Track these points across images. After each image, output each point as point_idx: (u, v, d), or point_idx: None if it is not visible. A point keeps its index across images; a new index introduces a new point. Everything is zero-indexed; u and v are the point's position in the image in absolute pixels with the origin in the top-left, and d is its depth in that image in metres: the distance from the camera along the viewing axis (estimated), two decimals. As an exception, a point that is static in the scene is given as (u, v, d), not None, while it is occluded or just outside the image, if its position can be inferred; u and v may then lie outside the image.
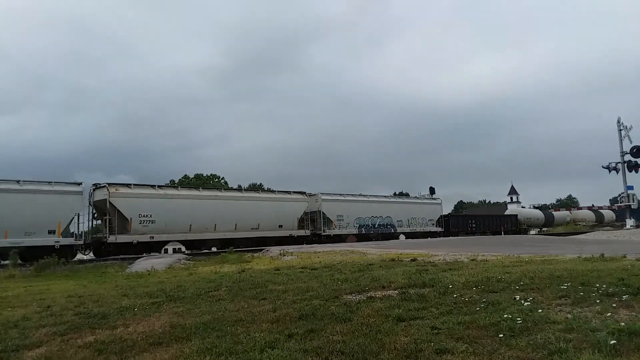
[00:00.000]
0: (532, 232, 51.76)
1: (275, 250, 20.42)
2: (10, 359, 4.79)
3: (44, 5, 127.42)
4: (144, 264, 16.32)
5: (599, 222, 60.59)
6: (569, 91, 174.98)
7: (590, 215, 64.83)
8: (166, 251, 24.34)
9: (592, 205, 70.01)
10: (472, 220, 47.18)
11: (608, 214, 65.90)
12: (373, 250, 17.38)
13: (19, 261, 18.71)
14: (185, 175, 74.62)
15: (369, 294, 6.90)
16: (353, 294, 7.04)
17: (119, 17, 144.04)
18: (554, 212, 61.81)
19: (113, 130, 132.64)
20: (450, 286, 6.91)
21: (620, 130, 29.53)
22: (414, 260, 11.97)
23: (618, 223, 52.32)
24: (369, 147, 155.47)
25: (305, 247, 23.29)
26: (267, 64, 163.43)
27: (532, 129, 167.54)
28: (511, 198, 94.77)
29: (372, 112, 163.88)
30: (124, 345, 4.97)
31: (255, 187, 72.98)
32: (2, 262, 19.05)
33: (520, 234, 44.62)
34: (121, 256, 21.50)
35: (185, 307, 6.97)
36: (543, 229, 55.90)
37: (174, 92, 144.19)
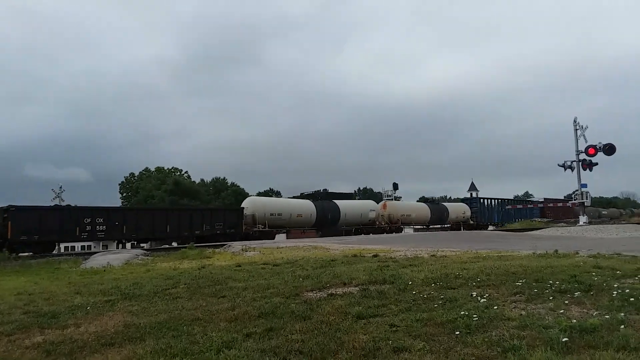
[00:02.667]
0: (407, 229, 42.35)
1: (237, 245, 20.18)
2: (-50, 362, 4.53)
3: None
4: (99, 259, 15.82)
5: (554, 219, 62.50)
6: (523, 93, 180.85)
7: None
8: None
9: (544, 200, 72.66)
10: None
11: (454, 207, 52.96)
12: (336, 246, 17.43)
13: None
14: (147, 168, 72.99)
15: (329, 291, 6.89)
16: (314, 291, 7.01)
17: (72, 8, 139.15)
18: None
19: (67, 122, 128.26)
20: (410, 282, 6.97)
21: (576, 129, 30.57)
22: (375, 256, 12.05)
23: (572, 220, 54.26)
24: (332, 143, 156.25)
25: (268, 243, 23.14)
26: (227, 59, 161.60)
27: (490, 128, 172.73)
28: (471, 194, 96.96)
29: (334, 109, 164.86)
30: (74, 346, 4.78)
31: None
32: None
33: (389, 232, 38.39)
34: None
35: (140, 305, 6.77)
36: (430, 226, 45.16)
37: (130, 85, 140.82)
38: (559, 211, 57.30)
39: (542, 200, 62.99)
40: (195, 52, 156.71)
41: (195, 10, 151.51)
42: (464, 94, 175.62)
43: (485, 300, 5.57)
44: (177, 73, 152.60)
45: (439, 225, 46.06)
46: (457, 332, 4.38)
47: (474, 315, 4.83)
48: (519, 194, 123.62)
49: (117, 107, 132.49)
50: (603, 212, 72.04)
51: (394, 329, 4.70)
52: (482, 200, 53.29)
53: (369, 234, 36.03)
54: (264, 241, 27.11)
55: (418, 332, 4.50)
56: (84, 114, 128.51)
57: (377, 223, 39.12)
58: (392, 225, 40.22)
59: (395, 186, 44.56)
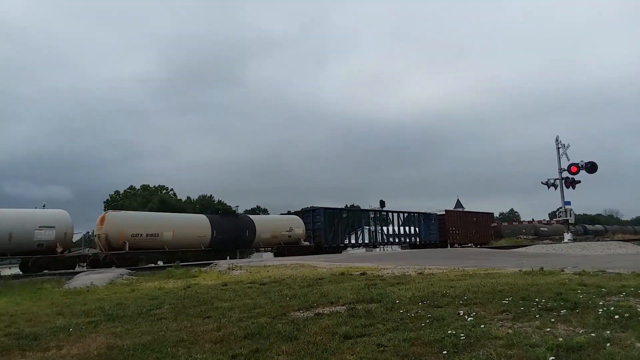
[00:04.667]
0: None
1: (224, 264, 19.98)
2: None
3: None
4: (83, 279, 15.53)
5: (538, 236, 62.74)
6: (504, 113, 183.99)
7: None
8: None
9: (532, 219, 73.03)
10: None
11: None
12: (323, 264, 17.34)
13: None
14: (131, 186, 72.31)
15: (317, 311, 6.83)
16: (301, 311, 6.95)
17: (53, 27, 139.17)
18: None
19: (47, 140, 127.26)
20: (397, 301, 6.94)
21: (559, 148, 31.01)
22: (363, 274, 12.00)
23: (556, 237, 54.58)
24: (316, 161, 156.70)
25: (255, 261, 22.95)
26: (208, 77, 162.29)
27: (472, 148, 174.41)
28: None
29: (317, 127, 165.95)
30: (54, 370, 4.67)
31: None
32: None
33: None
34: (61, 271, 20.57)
35: (124, 326, 6.65)
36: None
37: (113, 104, 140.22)
38: (468, 223, 49.31)
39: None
40: (178, 70, 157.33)
41: (176, 29, 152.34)
42: (446, 113, 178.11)
43: (472, 318, 5.57)
44: (159, 91, 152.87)
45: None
46: (445, 352, 4.36)
47: (462, 334, 4.82)
48: (504, 211, 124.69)
49: (99, 125, 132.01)
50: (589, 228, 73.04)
51: (382, 348, 4.67)
52: (331, 210, 38.13)
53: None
54: (250, 259, 26.95)
55: (405, 352, 4.48)
56: (65, 131, 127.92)
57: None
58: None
59: (382, 203, 44.56)
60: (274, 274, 14.46)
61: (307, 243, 34.21)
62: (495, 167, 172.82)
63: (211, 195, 76.61)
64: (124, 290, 12.25)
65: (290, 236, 33.25)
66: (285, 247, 32.76)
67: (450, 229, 46.18)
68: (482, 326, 5.17)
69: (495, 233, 54.45)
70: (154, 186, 72.45)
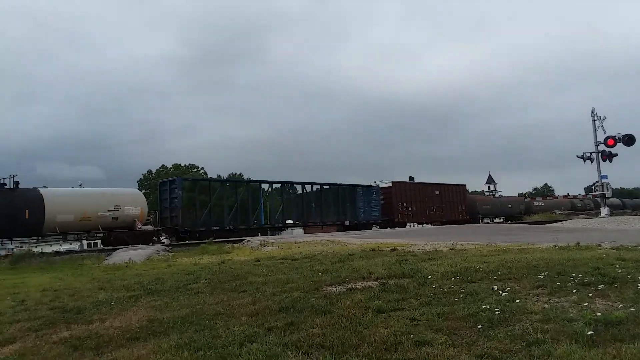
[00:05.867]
0: None
1: (255, 240, 20.33)
2: (-19, 356, 4.66)
3: None
4: (122, 255, 16.07)
5: (573, 210, 60.78)
6: (530, 84, 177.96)
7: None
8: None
9: (568, 194, 71.20)
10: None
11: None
12: (354, 240, 17.43)
13: None
14: (163, 165, 73.70)
15: (349, 285, 6.90)
16: (333, 286, 7.04)
17: (75, 9, 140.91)
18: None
19: (74, 121, 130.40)
20: (430, 276, 6.95)
21: (595, 120, 29.96)
22: (394, 250, 12.02)
23: (593, 211, 52.70)
24: (336, 138, 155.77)
25: (286, 237, 23.24)
26: (228, 55, 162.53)
27: (497, 121, 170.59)
28: (489, 187, 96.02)
29: (336, 104, 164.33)
30: (100, 341, 4.89)
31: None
32: None
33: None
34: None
35: (163, 300, 6.88)
36: None
37: (135, 83, 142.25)
38: (428, 198, 41.90)
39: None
40: (198, 49, 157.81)
41: (195, 7, 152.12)
42: (467, 86, 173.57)
43: (506, 293, 5.53)
44: (181, 70, 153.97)
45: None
46: (479, 326, 4.36)
47: (496, 309, 4.80)
48: (538, 186, 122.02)
49: (123, 105, 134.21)
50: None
51: (415, 323, 4.70)
52: (203, 181, 33.89)
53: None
54: (281, 236, 27.26)
55: (439, 326, 4.49)
56: (91, 112, 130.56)
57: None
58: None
59: (411, 179, 44.23)
60: (305, 250, 14.63)
61: (150, 227, 25.22)
62: (525, 140, 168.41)
63: (241, 173, 77.57)
64: (160, 265, 12.64)
65: (117, 218, 23.71)
66: (107, 233, 23.58)
67: (400, 204, 39.01)
68: (517, 301, 5.13)
69: (468, 210, 45.94)
70: (185, 165, 73.70)
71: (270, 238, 21.49)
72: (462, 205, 44.97)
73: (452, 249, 11.50)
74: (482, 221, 47.26)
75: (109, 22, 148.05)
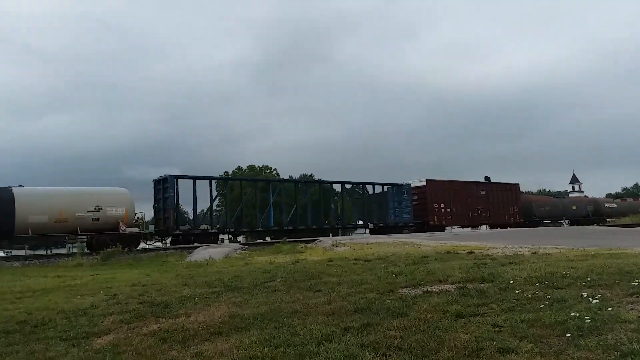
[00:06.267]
0: None
1: (327, 241, 20.52)
2: (80, 345, 5.04)
3: (81, 9, 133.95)
4: (202, 253, 16.85)
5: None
6: (616, 77, 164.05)
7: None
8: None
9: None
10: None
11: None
12: (427, 242, 17.10)
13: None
14: (239, 166, 76.25)
15: (425, 288, 6.79)
16: (408, 288, 6.95)
17: (153, 18, 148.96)
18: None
19: (156, 125, 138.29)
20: (512, 281, 6.67)
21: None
22: (471, 253, 11.66)
23: None
24: (409, 138, 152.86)
25: (357, 238, 23.25)
26: (299, 58, 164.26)
27: (579, 117, 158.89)
28: (573, 187, 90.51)
29: (408, 102, 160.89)
30: (186, 334, 5.14)
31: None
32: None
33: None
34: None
35: (242, 297, 7.12)
36: None
37: (212, 88, 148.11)
38: (470, 199, 37.14)
39: (423, 182, 36.05)
40: (270, 53, 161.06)
41: (267, 13, 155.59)
42: (545, 80, 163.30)
43: (597, 301, 5.19)
44: (254, 74, 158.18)
45: None
46: (568, 335, 4.12)
47: (586, 317, 4.51)
48: (628, 186, 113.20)
49: (201, 109, 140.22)
50: None
51: (497, 329, 4.53)
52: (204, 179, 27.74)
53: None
54: (352, 237, 27.29)
55: (524, 333, 4.30)
56: (172, 117, 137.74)
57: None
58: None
59: (487, 179, 42.52)
60: (377, 251, 14.57)
61: (137, 229, 23.26)
62: (614, 137, 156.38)
63: (311, 174, 78.53)
64: (238, 263, 13.11)
65: (98, 219, 21.84)
66: (90, 236, 21.47)
67: (435, 205, 35.11)
68: (609, 309, 4.80)
69: (524, 212, 41.42)
70: (259, 166, 75.80)
71: (342, 239, 21.59)
72: (514, 206, 40.43)
73: (535, 253, 10.96)
74: (540, 225, 42.52)
75: (187, 31, 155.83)
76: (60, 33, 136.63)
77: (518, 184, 42.65)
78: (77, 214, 21.30)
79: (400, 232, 30.37)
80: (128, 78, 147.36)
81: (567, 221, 45.87)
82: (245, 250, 18.51)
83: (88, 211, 21.66)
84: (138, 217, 23.99)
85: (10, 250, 23.47)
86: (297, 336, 4.73)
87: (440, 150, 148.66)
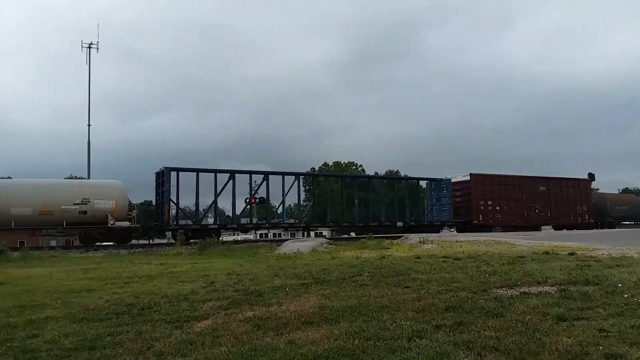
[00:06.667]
0: None
1: (414, 237, 20.20)
2: (183, 327, 5.38)
3: (181, 16, 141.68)
4: (290, 246, 17.33)
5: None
6: None
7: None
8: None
9: None
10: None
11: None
12: (522, 242, 16.26)
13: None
14: (325, 162, 77.23)
15: (522, 289, 6.47)
16: (503, 289, 6.66)
17: (240, 19, 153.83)
18: None
19: (248, 123, 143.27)
20: (620, 285, 6.17)
21: None
22: (572, 254, 10.90)
23: None
24: (501, 131, 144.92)
25: (446, 236, 22.64)
26: (384, 53, 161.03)
27: None
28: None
29: (500, 95, 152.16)
30: (279, 323, 5.32)
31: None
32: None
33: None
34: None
35: (331, 290, 7.22)
36: None
37: (299, 86, 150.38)
38: (525, 195, 32.66)
39: (467, 177, 32.24)
40: (355, 49, 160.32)
41: (352, 10, 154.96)
42: None
43: None
44: (339, 71, 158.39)
45: None
46: (688, 345, 3.74)
47: None
48: None
49: (288, 107, 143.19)
50: None
51: (604, 334, 4.22)
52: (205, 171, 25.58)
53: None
54: (440, 234, 26.61)
55: (634, 339, 3.98)
56: (260, 115, 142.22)
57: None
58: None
59: (591, 176, 39.32)
60: (468, 249, 14.10)
61: (128, 224, 22.59)
62: None
63: (397, 170, 77.60)
64: (325, 257, 13.32)
65: (85, 212, 21.45)
66: (75, 229, 21.45)
67: (481, 202, 31.12)
68: None
69: (596, 211, 36.45)
70: (345, 162, 76.26)
71: (429, 236, 21.14)
72: (583, 205, 35.42)
73: (646, 255, 10.02)
74: (617, 226, 37.81)
75: (276, 31, 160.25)
76: (159, 38, 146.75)
77: (590, 180, 37.50)
78: (62, 207, 20.87)
79: (438, 232, 28.18)
80: (222, 78, 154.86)
81: None
82: (331, 244, 18.76)
83: (75, 204, 21.21)
84: (133, 211, 23.49)
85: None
86: (386, 331, 4.72)
87: (539, 144, 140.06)
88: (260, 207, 28.02)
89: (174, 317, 5.81)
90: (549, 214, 33.62)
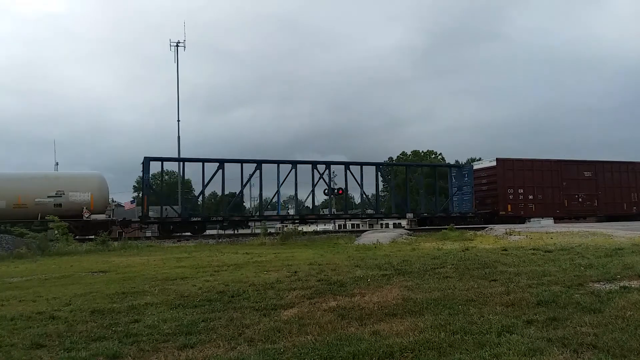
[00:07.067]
0: None
1: (500, 228, 19.39)
2: (270, 315, 5.59)
3: (258, 9, 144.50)
4: (370, 237, 17.34)
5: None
6: None
7: None
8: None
9: None
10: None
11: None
12: (620, 232, 15.08)
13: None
14: (403, 151, 76.10)
15: (621, 284, 6.04)
16: (601, 283, 6.26)
17: (318, 11, 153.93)
18: None
19: (324, 114, 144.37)
20: None
21: None
22: (679, 246, 9.98)
23: None
24: (593, 114, 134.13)
25: (535, 227, 21.53)
26: (465, 36, 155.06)
27: None
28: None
29: (592, 76, 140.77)
30: (362, 313, 5.37)
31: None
32: None
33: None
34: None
35: (413, 281, 7.16)
36: None
37: (376, 75, 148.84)
38: (565, 181, 28.31)
39: (493, 163, 28.74)
40: (436, 34, 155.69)
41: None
42: None
43: None
44: (418, 58, 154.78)
45: None
46: None
47: None
48: None
49: (366, 96, 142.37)
50: None
51: None
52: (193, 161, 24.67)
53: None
54: (528, 225, 25.29)
55: None
56: (338, 105, 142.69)
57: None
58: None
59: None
60: (559, 241, 13.33)
61: (103, 216, 21.93)
62: None
63: (480, 158, 74.66)
64: (405, 248, 13.18)
65: (60, 205, 21.07)
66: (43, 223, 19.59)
67: (510, 191, 27.48)
68: None
69: None
70: (423, 151, 74.69)
71: (516, 227, 20.20)
72: (637, 192, 30.45)
73: None
74: None
75: (351, 21, 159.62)
76: (239, 34, 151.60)
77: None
78: (36, 200, 20.66)
79: (458, 224, 23.40)
80: (299, 72, 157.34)
81: None
82: (411, 235, 18.51)
83: (49, 196, 20.96)
84: (112, 203, 22.47)
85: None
86: (474, 325, 4.61)
87: (635, 127, 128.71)
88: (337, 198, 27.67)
89: (261, 305, 6.02)
90: (596, 203, 29.44)
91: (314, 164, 25.14)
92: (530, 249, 11.00)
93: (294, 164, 24.51)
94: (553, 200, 28.44)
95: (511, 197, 27.53)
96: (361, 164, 26.42)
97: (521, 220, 27.13)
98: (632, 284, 6.01)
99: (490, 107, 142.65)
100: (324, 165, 25.93)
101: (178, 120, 37.97)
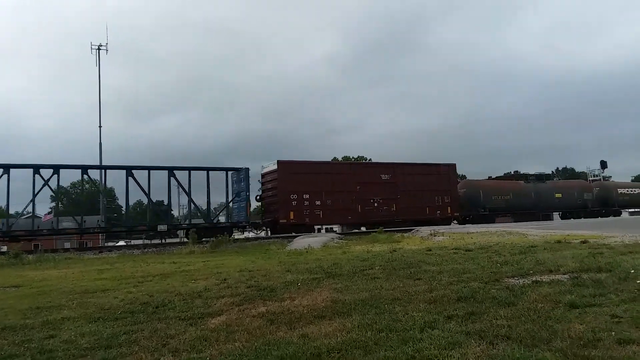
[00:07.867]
0: None
1: (425, 230, 20.16)
2: (197, 324, 5.44)
3: (189, 14, 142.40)
4: (301, 242, 17.39)
5: None
6: None
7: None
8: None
9: None
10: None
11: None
12: (534, 231, 16.17)
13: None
14: (334, 157, 77.15)
15: (534, 278, 6.46)
16: (515, 278, 6.66)
17: (252, 19, 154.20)
18: None
19: (256, 122, 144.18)
20: (632, 271, 6.13)
21: None
22: (584, 242, 10.84)
23: None
24: (515, 123, 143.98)
25: (457, 228, 22.57)
26: (392, 47, 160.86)
27: None
28: None
29: (510, 87, 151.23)
30: (291, 317, 5.36)
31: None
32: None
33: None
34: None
35: (343, 283, 7.25)
36: None
37: (308, 84, 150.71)
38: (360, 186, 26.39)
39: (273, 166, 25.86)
40: (363, 45, 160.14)
41: (360, 5, 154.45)
42: None
43: None
44: (347, 68, 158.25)
45: None
46: (702, 329, 3.73)
47: None
48: None
49: (298, 105, 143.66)
50: None
51: (616, 319, 4.23)
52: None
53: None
54: (451, 226, 26.48)
55: (648, 325, 3.97)
56: (272, 114, 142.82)
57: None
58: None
59: (603, 164, 39.05)
60: (479, 240, 14.07)
61: None
62: None
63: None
64: (336, 252, 13.35)
65: None
66: None
67: (293, 197, 24.85)
68: None
69: (461, 202, 30.48)
70: (353, 157, 76.16)
71: (440, 228, 21.09)
72: (444, 196, 28.88)
73: (660, 242, 9.94)
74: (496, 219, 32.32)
75: (285, 29, 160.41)
76: (166, 39, 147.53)
77: (454, 165, 30.59)
78: None
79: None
80: (235, 77, 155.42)
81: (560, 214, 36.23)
82: (342, 239, 18.78)
83: None
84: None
85: None
86: (399, 322, 4.75)
87: (550, 135, 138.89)
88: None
89: (188, 314, 5.87)
90: (394, 208, 27.28)
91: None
92: (452, 249, 11.52)
93: (149, 169, 22.10)
94: (344, 205, 26.02)
95: (294, 203, 24.84)
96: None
97: (308, 228, 25.12)
98: (543, 278, 6.44)
99: (420, 115, 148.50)
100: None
101: (100, 127, 36.21)
